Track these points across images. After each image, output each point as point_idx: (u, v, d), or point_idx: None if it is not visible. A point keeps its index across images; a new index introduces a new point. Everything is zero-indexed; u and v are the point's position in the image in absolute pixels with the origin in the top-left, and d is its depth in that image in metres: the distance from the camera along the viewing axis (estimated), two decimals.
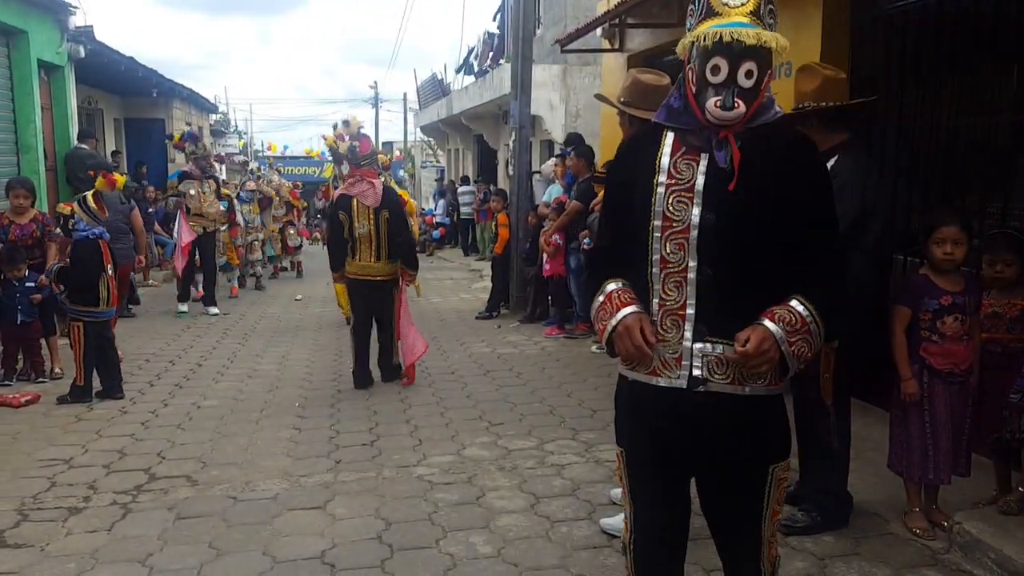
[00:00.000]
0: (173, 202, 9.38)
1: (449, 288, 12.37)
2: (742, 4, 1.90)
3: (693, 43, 1.93)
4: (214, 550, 3.47)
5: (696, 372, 1.98)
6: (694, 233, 1.95)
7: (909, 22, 4.85)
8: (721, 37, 1.86)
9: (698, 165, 1.98)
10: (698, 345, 1.98)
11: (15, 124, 9.46)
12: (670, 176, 2.00)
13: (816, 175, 2.04)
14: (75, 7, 10.53)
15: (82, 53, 10.83)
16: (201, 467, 4.47)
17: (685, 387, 1.99)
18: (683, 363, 1.99)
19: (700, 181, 1.96)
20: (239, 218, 10.78)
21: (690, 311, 1.98)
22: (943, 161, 4.76)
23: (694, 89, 1.96)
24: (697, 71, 1.94)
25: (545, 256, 8.02)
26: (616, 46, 9.00)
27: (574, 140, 8.59)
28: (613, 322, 2.04)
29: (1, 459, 4.56)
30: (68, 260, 5.81)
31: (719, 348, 1.97)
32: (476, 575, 3.25)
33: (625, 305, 2.05)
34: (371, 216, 5.96)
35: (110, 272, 5.77)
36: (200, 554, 3.43)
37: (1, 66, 9.27)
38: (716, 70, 1.89)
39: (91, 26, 11.20)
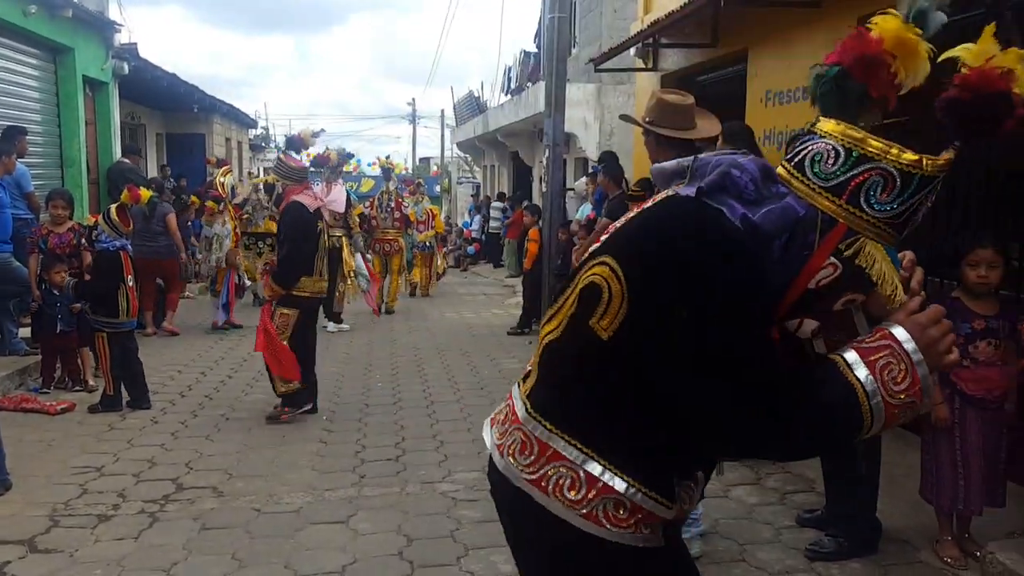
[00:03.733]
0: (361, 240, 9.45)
1: (482, 303, 12.37)
2: None
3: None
4: (237, 562, 3.50)
5: None
6: None
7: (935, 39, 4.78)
8: None
9: None
10: None
11: (60, 138, 9.75)
12: None
13: None
14: (120, 25, 10.85)
15: (126, 70, 11.17)
16: (227, 478, 4.52)
17: None
18: None
19: None
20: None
21: None
22: (978, 180, 4.66)
23: None
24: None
25: None
26: (650, 66, 9.00)
27: (606, 158, 8.59)
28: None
29: (36, 465, 4.64)
30: (89, 271, 6.02)
31: None
32: None
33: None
34: None
35: (130, 283, 5.85)
36: (223, 565, 3.46)
37: (48, 82, 9.57)
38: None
39: (135, 43, 11.55)
